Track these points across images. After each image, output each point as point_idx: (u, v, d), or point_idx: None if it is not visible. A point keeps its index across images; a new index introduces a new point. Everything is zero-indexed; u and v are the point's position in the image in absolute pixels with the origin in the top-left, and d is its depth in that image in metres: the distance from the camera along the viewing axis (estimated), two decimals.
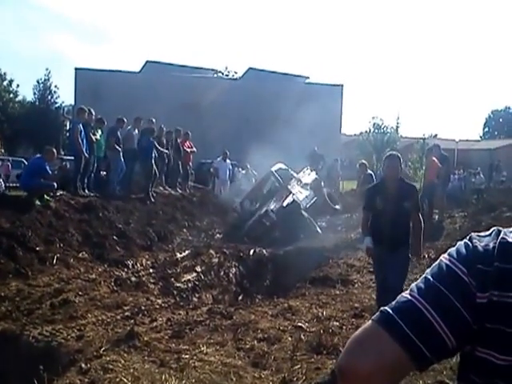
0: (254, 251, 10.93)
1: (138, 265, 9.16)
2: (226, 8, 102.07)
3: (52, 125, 44.50)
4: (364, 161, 13.24)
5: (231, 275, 9.91)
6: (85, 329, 5.30)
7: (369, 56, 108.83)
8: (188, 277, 9.01)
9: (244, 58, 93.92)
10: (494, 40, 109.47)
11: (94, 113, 11.43)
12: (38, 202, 9.56)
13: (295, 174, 14.33)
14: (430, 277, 0.99)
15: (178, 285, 8.50)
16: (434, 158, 12.08)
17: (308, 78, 40.93)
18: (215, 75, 46.24)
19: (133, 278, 8.22)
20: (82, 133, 10.80)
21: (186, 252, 10.44)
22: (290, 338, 5.09)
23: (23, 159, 31.42)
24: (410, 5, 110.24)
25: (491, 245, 0.97)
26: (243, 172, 19.77)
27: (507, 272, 0.92)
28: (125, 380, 4.07)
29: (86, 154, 10.85)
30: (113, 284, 7.80)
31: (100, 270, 8.39)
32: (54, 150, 10.21)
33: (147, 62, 40.08)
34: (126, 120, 13.07)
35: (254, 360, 4.57)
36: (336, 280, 7.54)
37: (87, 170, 11.12)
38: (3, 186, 22.95)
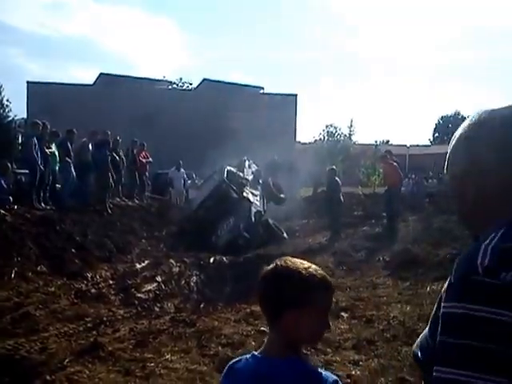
0: (215, 259, 11.03)
1: (98, 276, 9.11)
2: (180, 19, 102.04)
3: (4, 139, 43.24)
4: (334, 166, 13.49)
5: (192, 284, 9.95)
6: (47, 341, 5.28)
7: (321, 65, 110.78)
8: (149, 287, 9.01)
9: (199, 69, 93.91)
10: (441, 46, 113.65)
11: (48, 126, 11.29)
12: None
13: (241, 174, 14.48)
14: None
15: (139, 295, 8.49)
16: (392, 162, 12.32)
17: (263, 88, 41.45)
18: (169, 87, 46.19)
19: (93, 290, 8.18)
20: (37, 146, 10.67)
21: (146, 262, 10.43)
22: (253, 343, 5.21)
23: None
24: (360, 10, 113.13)
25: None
26: (189, 182, 19.92)
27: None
28: None
29: (42, 167, 10.71)
30: (73, 296, 7.74)
31: (59, 282, 8.31)
32: (8, 164, 10.04)
33: (101, 74, 39.65)
34: (76, 131, 12.91)
35: (218, 365, 4.67)
36: None
37: (43, 183, 10.97)
38: None
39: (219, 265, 10.90)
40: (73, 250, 9.93)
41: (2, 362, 4.80)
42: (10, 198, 9.77)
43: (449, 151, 1.17)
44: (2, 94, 44.11)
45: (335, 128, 39.08)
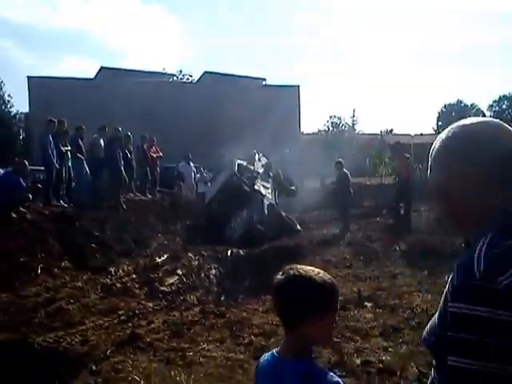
0: (231, 252, 11.23)
1: (121, 271, 9.31)
2: (180, 11, 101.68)
3: (7, 134, 43.45)
4: (340, 159, 13.64)
5: (211, 276, 10.16)
6: (86, 334, 5.49)
7: (323, 55, 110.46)
8: (171, 280, 9.22)
9: (199, 61, 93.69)
10: (443, 36, 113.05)
11: (65, 123, 11.47)
12: (14, 215, 9.55)
13: (251, 167, 14.66)
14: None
15: (162, 288, 8.70)
16: (406, 158, 12.47)
17: (265, 80, 41.49)
18: (171, 79, 46.21)
19: (118, 284, 8.38)
20: (52, 144, 10.84)
21: (165, 256, 10.63)
22: (283, 332, 5.41)
23: None
24: (362, 1, 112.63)
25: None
26: (198, 175, 20.07)
27: None
28: (137, 378, 4.31)
29: (57, 165, 10.89)
30: (99, 290, 7.96)
31: (85, 277, 8.51)
32: (26, 162, 10.21)
33: (102, 68, 39.73)
34: (84, 127, 13.07)
35: (254, 354, 4.87)
36: None
37: (59, 181, 11.14)
38: None
39: (236, 257, 11.10)
40: (93, 246, 10.13)
41: (47, 354, 5.01)
42: (30, 196, 9.95)
43: (430, 159, 1.37)
44: (3, 89, 44.34)
45: (339, 118, 39.14)
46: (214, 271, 10.33)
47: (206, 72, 40.23)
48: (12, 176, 9.69)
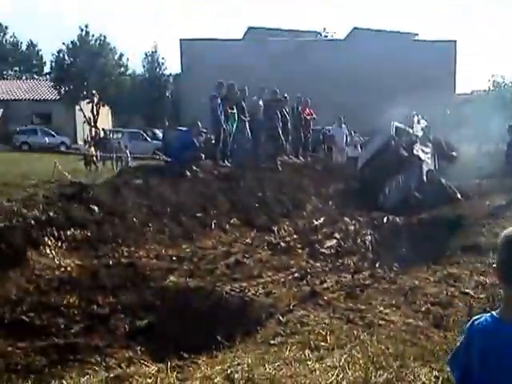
0: (388, 219, 11.14)
1: (283, 231, 9.82)
2: None
3: (158, 94, 46.53)
4: None
5: (367, 242, 10.25)
6: (267, 287, 5.95)
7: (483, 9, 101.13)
8: (330, 243, 9.50)
9: (343, 17, 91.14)
10: None
11: (235, 87, 12.09)
12: (188, 173, 10.43)
13: (410, 130, 14.16)
14: None
15: (322, 250, 9.03)
16: None
17: (417, 35, 39.41)
18: (317, 37, 45.74)
19: (282, 243, 8.86)
20: (221, 106, 11.51)
21: (322, 219, 10.93)
22: (460, 304, 5.38)
23: (141, 131, 33.44)
24: None
25: None
26: (349, 139, 19.81)
27: None
28: (322, 332, 4.60)
29: (225, 127, 11.58)
30: (266, 248, 8.49)
31: (252, 234, 9.13)
32: (199, 124, 11.00)
33: (249, 28, 40.59)
34: (247, 89, 13.56)
35: (434, 322, 4.93)
36: (488, 249, 7.59)
37: (225, 142, 11.86)
38: (130, 157, 24.59)
39: (392, 225, 11.01)
40: (256, 205, 10.75)
41: (236, 302, 5.55)
42: (203, 156, 10.75)
43: None
44: (158, 52, 47.37)
45: (502, 77, 35.83)
46: (369, 237, 10.39)
47: (354, 28, 39.21)
48: (189, 136, 10.56)
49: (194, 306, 5.77)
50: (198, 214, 9.12)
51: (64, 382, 4.16)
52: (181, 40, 39.96)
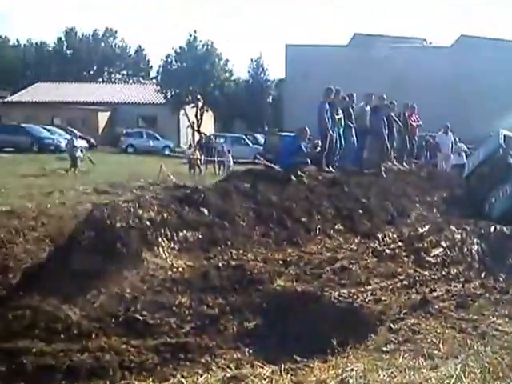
0: (495, 228, 10.74)
1: (387, 238, 9.79)
2: None
3: (260, 100, 47.53)
4: None
5: (474, 252, 9.94)
6: (376, 294, 6.06)
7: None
8: (436, 252, 9.34)
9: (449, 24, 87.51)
10: None
11: (341, 92, 12.24)
12: (293, 178, 10.72)
13: None
14: None
15: (428, 259, 8.90)
16: None
17: None
18: (422, 44, 44.44)
19: (387, 251, 8.86)
20: (328, 112, 11.70)
21: (427, 227, 10.74)
22: None
23: (243, 136, 34.40)
24: None
25: None
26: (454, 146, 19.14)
27: None
28: (435, 341, 4.67)
29: (331, 133, 11.75)
30: (371, 254, 8.54)
31: (356, 241, 9.21)
32: (307, 129, 11.26)
33: (355, 34, 40.29)
34: (355, 95, 13.61)
35: None
36: None
37: (331, 148, 12.03)
38: (231, 162, 25.42)
39: (500, 235, 10.60)
40: (360, 211, 10.79)
41: (344, 308, 5.68)
42: (309, 161, 11.00)
43: None
44: (262, 58, 48.43)
45: None
46: (476, 247, 10.08)
47: (462, 35, 37.71)
48: (296, 141, 10.86)
49: (301, 311, 5.88)
50: (303, 219, 9.35)
51: (183, 380, 4.34)
52: (286, 45, 40.36)
